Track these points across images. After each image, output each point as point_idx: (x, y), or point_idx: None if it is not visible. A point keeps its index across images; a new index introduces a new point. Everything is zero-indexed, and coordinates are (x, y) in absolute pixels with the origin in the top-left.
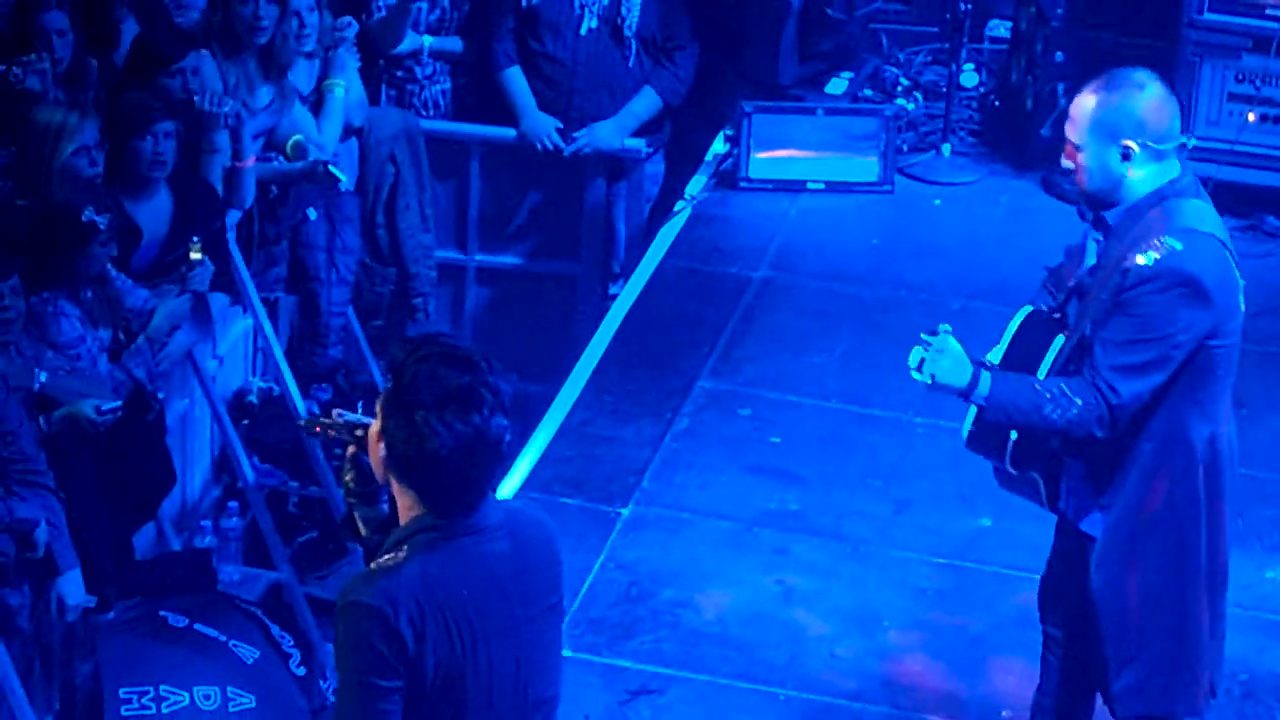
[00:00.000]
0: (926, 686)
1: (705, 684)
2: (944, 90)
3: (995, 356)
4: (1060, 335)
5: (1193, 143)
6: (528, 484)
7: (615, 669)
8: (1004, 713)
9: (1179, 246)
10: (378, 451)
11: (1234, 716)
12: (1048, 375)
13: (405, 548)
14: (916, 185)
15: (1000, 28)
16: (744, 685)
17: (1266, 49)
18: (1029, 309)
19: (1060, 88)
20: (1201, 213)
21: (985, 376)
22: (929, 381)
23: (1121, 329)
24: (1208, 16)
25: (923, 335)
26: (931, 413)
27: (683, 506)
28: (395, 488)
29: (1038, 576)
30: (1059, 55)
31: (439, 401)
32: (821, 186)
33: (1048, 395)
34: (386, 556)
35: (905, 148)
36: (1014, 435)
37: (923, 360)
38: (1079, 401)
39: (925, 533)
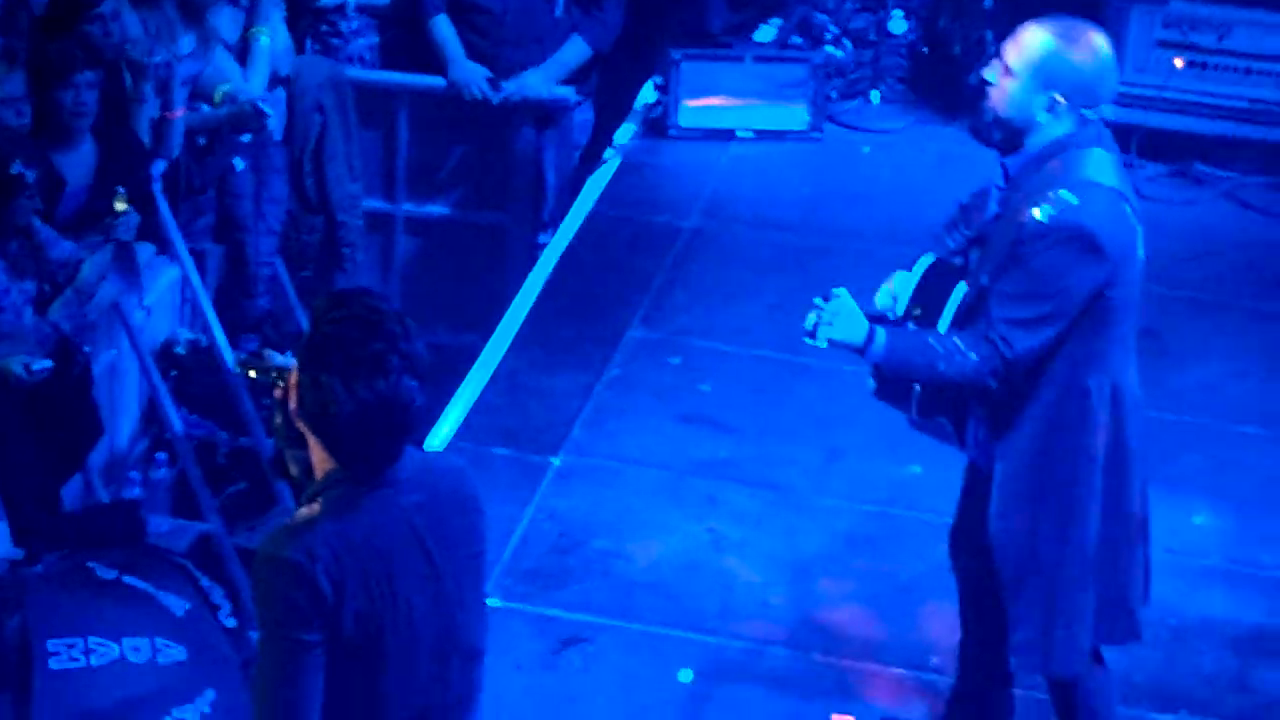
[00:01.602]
0: (857, 633)
1: (637, 633)
2: (873, 37)
3: (900, 305)
4: (961, 283)
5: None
6: (459, 434)
7: (546, 619)
8: (933, 658)
9: (1074, 201)
10: (292, 401)
11: (1163, 660)
12: (950, 325)
13: (320, 500)
14: (846, 132)
15: None
16: (676, 633)
17: None
18: (931, 257)
19: (989, 34)
20: (1102, 163)
21: (880, 334)
22: (824, 345)
23: (1016, 282)
24: None
25: (815, 300)
26: (862, 362)
27: (614, 456)
28: (310, 440)
29: None
30: (987, 2)
31: (345, 366)
32: (751, 134)
33: (941, 350)
34: (302, 510)
35: (834, 95)
36: (917, 387)
37: (816, 325)
38: (973, 356)
39: (856, 481)
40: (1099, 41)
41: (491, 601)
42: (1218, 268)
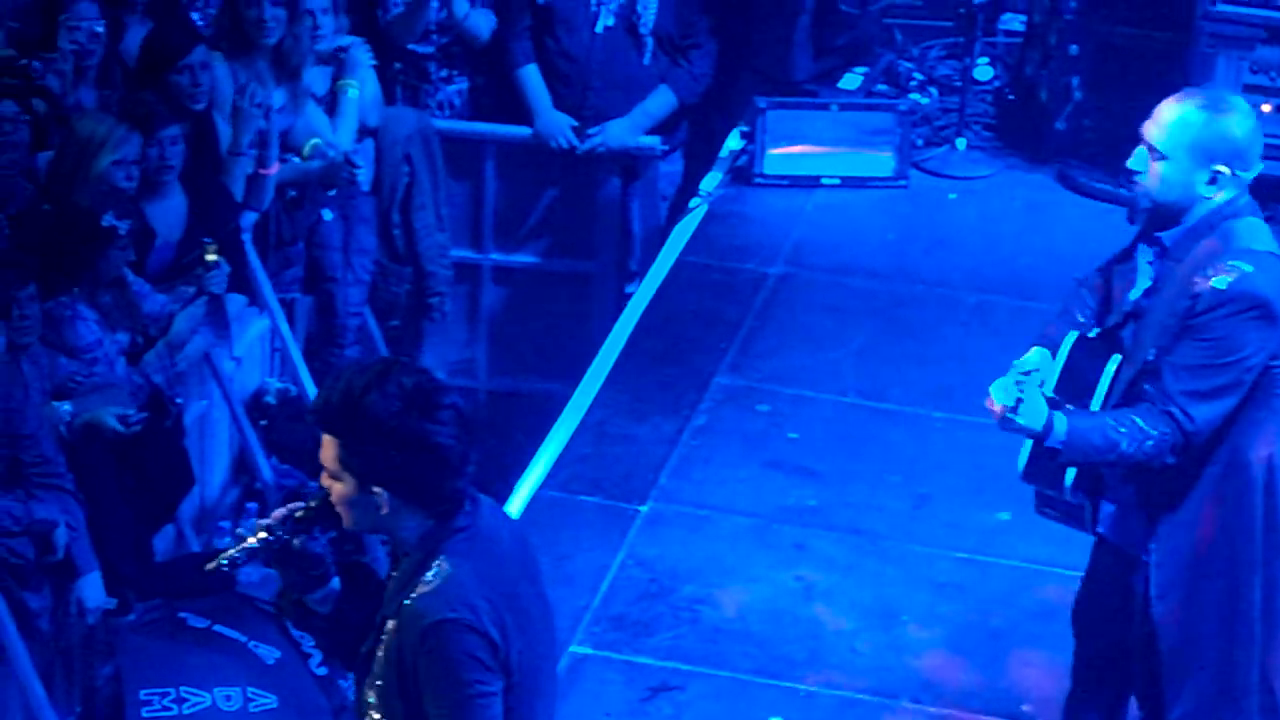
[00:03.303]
0: (947, 681)
1: (726, 680)
2: (958, 84)
3: (1049, 386)
4: (1114, 358)
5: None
6: (546, 482)
7: (635, 666)
8: (1025, 706)
9: (1249, 269)
10: (340, 495)
11: None
12: (1104, 401)
13: (443, 558)
14: (931, 180)
15: (1014, 21)
16: (764, 681)
17: None
18: (1076, 334)
19: (1075, 80)
20: (1257, 231)
21: (1060, 419)
22: (1015, 425)
23: (1193, 354)
24: (1221, 8)
25: (1018, 372)
26: (949, 407)
27: (701, 503)
28: (380, 515)
29: (1058, 570)
30: (1074, 48)
31: (412, 403)
32: (837, 182)
33: (1123, 430)
34: (429, 574)
35: (920, 142)
36: (1072, 469)
37: (1019, 401)
38: (1154, 433)
39: (944, 527)
40: (1240, 103)
41: (581, 649)
42: None
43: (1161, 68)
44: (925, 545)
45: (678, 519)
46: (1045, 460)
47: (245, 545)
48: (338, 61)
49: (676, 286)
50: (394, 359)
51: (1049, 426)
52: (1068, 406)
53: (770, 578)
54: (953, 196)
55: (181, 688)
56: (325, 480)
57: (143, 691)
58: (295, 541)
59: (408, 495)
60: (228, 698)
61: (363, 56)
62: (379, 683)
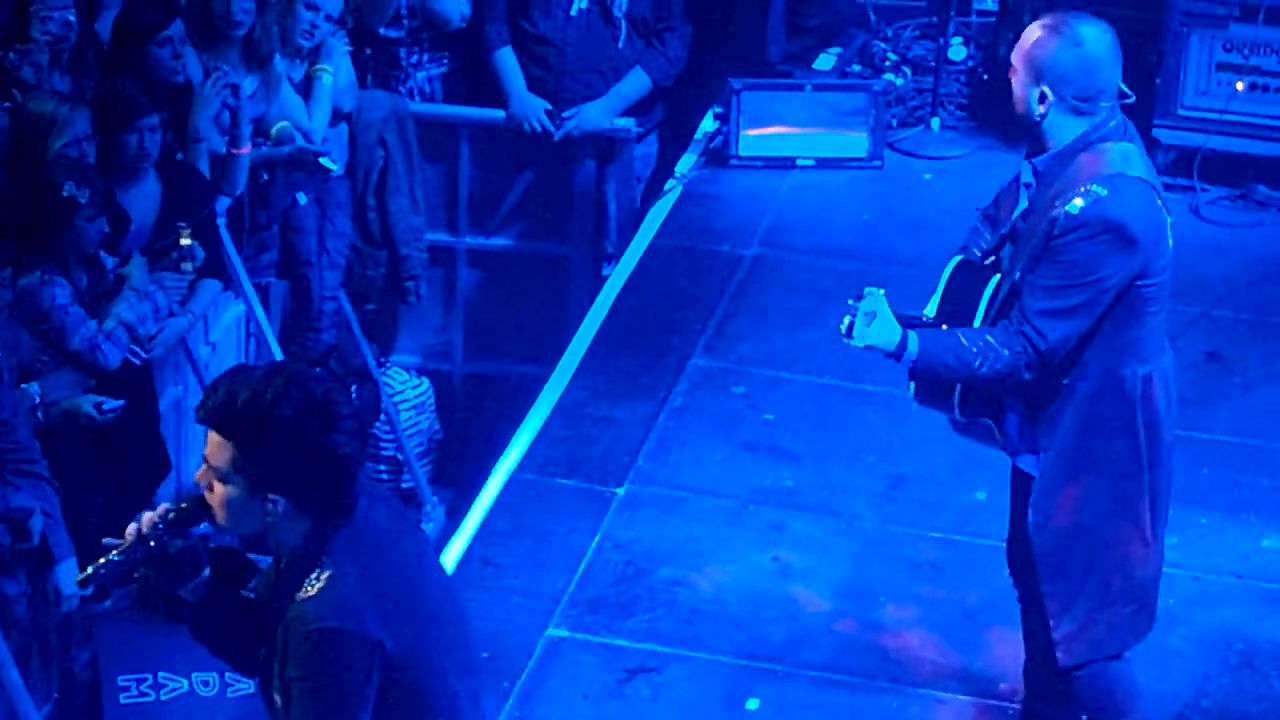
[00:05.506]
0: (924, 660)
1: (703, 661)
2: (932, 64)
3: (931, 307)
4: (993, 280)
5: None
6: (523, 465)
7: (613, 648)
8: (1002, 685)
9: (1104, 193)
10: (224, 496)
11: (1231, 686)
12: (983, 321)
13: (327, 559)
14: (906, 160)
15: (988, 0)
16: (742, 662)
17: (1254, 17)
18: (959, 257)
19: None
20: (1129, 155)
21: (913, 337)
22: (861, 345)
23: (1049, 274)
24: None
25: (849, 300)
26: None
27: (678, 485)
28: (265, 520)
29: None
30: None
31: (318, 413)
32: (811, 163)
33: (974, 349)
34: (313, 577)
35: (894, 123)
36: (958, 387)
37: (851, 324)
38: (1005, 351)
39: (921, 507)
40: (1082, 32)
41: (558, 631)
42: None
43: (1135, 47)
44: (902, 525)
45: (654, 501)
46: (928, 385)
47: (110, 559)
48: (310, 48)
49: (652, 268)
50: (293, 363)
51: (902, 345)
52: (942, 327)
53: (747, 559)
54: (927, 177)
55: (159, 673)
56: (205, 478)
57: (120, 677)
58: (171, 545)
59: (302, 502)
60: (205, 683)
61: (337, 43)
62: (278, 682)
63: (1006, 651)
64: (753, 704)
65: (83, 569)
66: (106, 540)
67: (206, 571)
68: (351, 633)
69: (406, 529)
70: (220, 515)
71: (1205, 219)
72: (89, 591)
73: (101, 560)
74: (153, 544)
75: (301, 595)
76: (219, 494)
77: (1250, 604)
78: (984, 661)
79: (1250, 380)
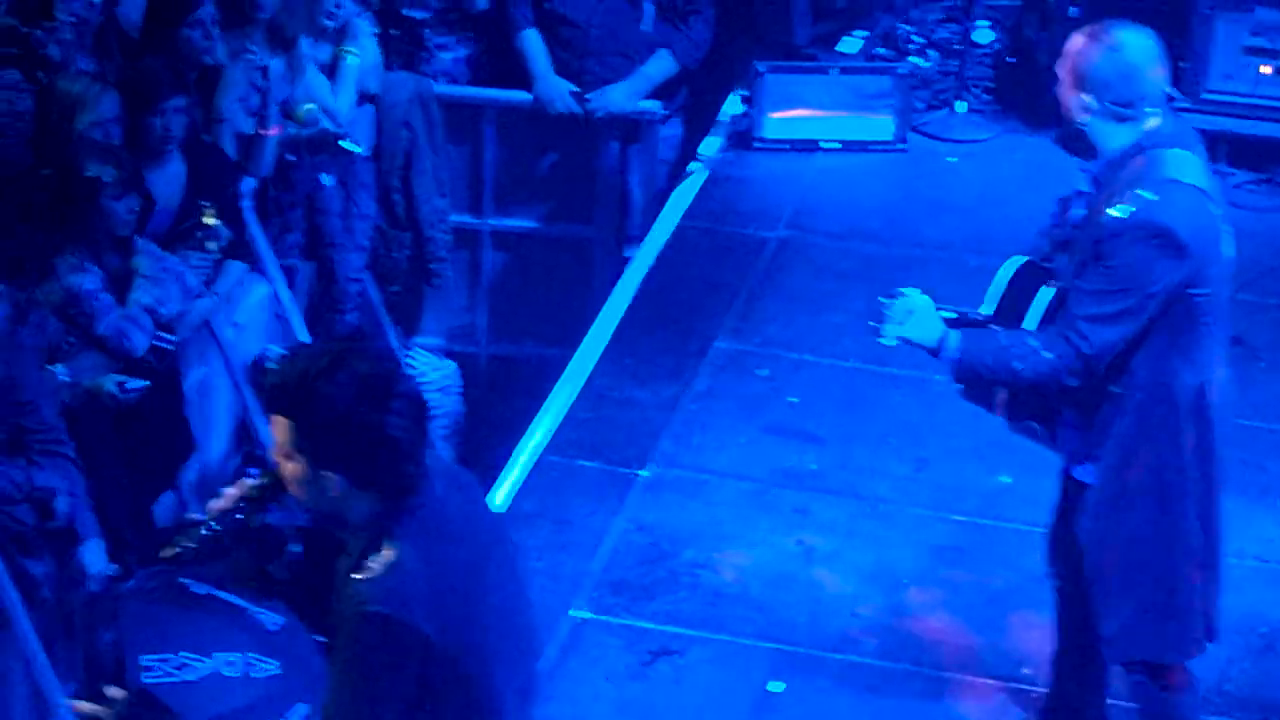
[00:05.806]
0: (948, 644)
1: (726, 644)
2: (958, 47)
3: (988, 306)
4: (1045, 286)
5: (1196, 98)
6: (547, 447)
7: (636, 630)
8: (1025, 669)
9: (1154, 198)
10: (292, 473)
11: (1254, 669)
12: (1038, 326)
13: (390, 542)
14: (931, 143)
15: None
16: (765, 645)
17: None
18: (1022, 259)
19: None
20: (1183, 162)
21: (953, 335)
22: (892, 342)
23: (1095, 279)
24: None
25: (881, 299)
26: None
27: (702, 468)
28: (331, 496)
29: None
30: (1073, 10)
31: (367, 392)
32: (837, 146)
33: (1015, 351)
34: (374, 558)
35: (920, 106)
36: (1002, 390)
37: (883, 321)
38: (1048, 355)
39: (945, 491)
40: (1119, 37)
41: (581, 613)
42: None
43: (1161, 30)
44: (926, 509)
45: (678, 484)
46: (972, 384)
47: (200, 531)
48: (336, 29)
49: (676, 251)
50: (350, 343)
51: (943, 343)
52: (969, 325)
53: (771, 542)
54: (952, 160)
55: (183, 653)
56: (277, 457)
57: (144, 657)
58: (253, 520)
59: (359, 480)
60: (230, 663)
61: (363, 25)
62: None
63: (1030, 635)
64: (775, 686)
65: (108, 552)
66: (189, 515)
67: (297, 548)
68: (399, 622)
69: (482, 518)
70: (294, 491)
71: (1231, 203)
72: (176, 554)
73: (185, 534)
74: (236, 519)
75: (360, 575)
76: (288, 471)
77: (1274, 588)
78: (1008, 645)
79: (1275, 364)
